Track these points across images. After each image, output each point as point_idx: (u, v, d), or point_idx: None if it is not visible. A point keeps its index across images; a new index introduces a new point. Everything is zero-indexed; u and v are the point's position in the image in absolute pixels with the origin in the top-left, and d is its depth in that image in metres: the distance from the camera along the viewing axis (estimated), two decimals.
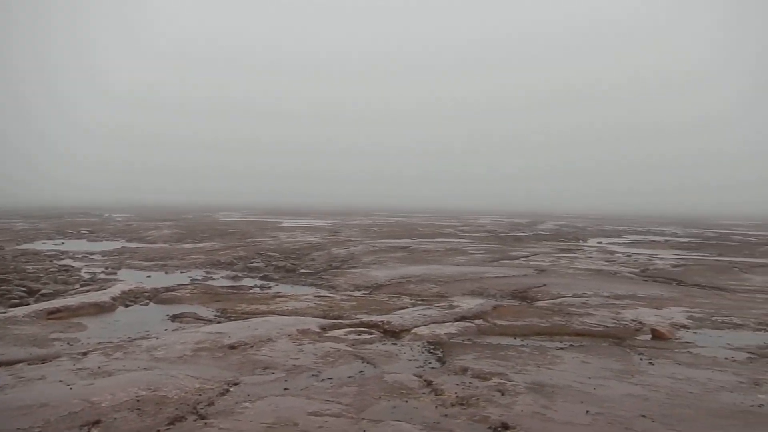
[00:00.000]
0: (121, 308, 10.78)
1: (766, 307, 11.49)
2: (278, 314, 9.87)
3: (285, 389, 5.78)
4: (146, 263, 18.21)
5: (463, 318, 9.73)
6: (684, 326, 9.58)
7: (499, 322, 9.50)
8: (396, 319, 9.41)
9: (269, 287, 14.10)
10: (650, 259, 21.24)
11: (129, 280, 13.89)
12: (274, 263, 18.48)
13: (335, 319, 9.56)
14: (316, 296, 12.01)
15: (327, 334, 8.46)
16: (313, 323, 9.02)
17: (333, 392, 5.66)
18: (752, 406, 5.45)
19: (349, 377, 6.24)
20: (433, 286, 13.70)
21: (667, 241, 33.70)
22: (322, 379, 6.13)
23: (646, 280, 15.76)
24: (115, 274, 15.79)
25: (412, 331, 8.71)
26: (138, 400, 5.27)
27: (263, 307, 10.53)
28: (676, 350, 7.87)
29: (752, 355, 7.66)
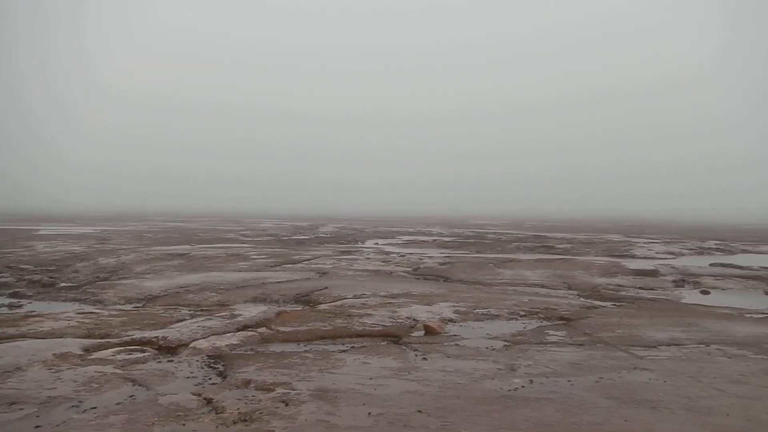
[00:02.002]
0: None
1: (515, 297, 13.07)
2: (31, 337, 8.57)
3: (37, 427, 5.00)
4: None
5: (245, 327, 9.45)
6: (451, 320, 10.45)
7: (282, 328, 9.40)
8: (172, 333, 8.79)
9: (20, 306, 12.25)
10: (421, 258, 22.93)
11: None
12: (27, 277, 16.16)
13: (102, 338, 8.61)
14: (79, 313, 10.71)
15: (91, 357, 7.56)
16: (74, 345, 8.00)
17: (97, 424, 5.03)
18: (509, 390, 6.10)
19: (118, 404, 5.62)
20: (214, 294, 13.14)
21: (434, 240, 36.81)
22: (84, 410, 5.43)
23: (418, 279, 16.96)
24: None
25: (191, 345, 8.19)
26: None
27: (12, 330, 9.06)
28: (446, 344, 8.52)
29: (507, 343, 8.61)
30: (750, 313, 11.59)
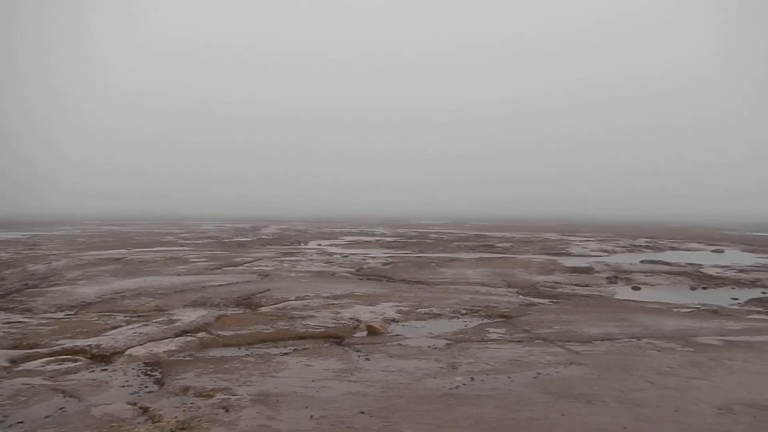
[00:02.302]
0: None
1: (457, 296, 13.25)
2: None
3: None
4: None
5: (184, 332, 9.21)
6: (394, 320, 10.50)
7: (223, 332, 9.21)
8: (107, 340, 8.47)
9: None
10: (364, 259, 22.95)
11: None
12: None
13: (30, 348, 8.21)
14: (5, 323, 10.17)
15: (18, 368, 7.20)
16: None
17: None
18: (451, 388, 6.17)
19: (47, 417, 5.36)
20: (151, 299, 12.74)
21: (377, 240, 36.92)
22: (10, 425, 5.16)
23: (361, 279, 16.96)
24: None
25: (126, 352, 7.92)
26: None
27: None
28: (389, 344, 8.55)
29: (449, 341, 8.71)
30: (677, 308, 12.15)
